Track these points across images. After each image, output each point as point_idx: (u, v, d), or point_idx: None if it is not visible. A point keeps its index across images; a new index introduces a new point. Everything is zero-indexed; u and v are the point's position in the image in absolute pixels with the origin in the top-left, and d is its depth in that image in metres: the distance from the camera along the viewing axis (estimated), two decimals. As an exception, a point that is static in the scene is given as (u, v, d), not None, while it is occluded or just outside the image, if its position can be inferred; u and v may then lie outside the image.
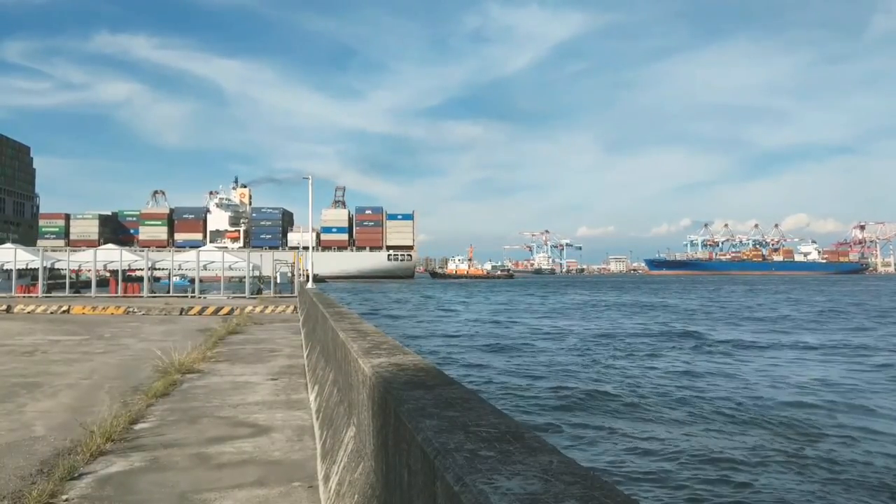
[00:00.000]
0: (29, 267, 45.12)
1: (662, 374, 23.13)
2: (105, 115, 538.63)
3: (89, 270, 46.09)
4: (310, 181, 45.35)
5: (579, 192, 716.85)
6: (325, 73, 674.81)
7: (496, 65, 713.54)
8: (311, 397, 10.24)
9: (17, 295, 40.94)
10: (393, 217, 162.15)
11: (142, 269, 45.18)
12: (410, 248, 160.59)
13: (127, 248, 56.49)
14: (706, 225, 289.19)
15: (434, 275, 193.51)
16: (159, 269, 47.79)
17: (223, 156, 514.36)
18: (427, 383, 3.63)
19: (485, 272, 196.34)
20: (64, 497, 5.99)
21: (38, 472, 6.76)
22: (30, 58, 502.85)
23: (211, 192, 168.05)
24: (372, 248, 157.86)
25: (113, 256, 45.32)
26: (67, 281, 46.89)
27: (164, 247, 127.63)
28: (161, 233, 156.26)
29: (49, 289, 44.48)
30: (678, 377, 22.43)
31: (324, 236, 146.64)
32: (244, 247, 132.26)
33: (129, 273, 45.98)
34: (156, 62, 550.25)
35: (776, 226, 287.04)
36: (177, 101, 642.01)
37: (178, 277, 48.88)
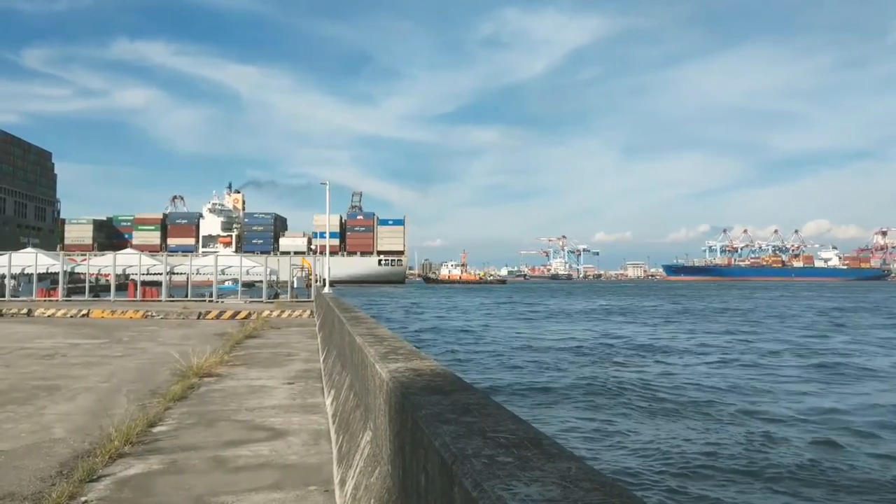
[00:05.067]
0: (49, 271, 45.62)
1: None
2: (123, 122, 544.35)
3: (108, 275, 46.61)
4: (327, 187, 45.48)
5: (596, 197, 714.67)
6: (339, 79, 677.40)
7: (511, 70, 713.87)
8: (328, 401, 10.26)
9: (37, 299, 41.41)
10: (384, 222, 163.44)
11: (159, 274, 45.56)
12: (401, 253, 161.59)
13: (158, 253, 57.05)
14: (725, 230, 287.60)
15: (427, 280, 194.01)
16: (178, 273, 48.14)
17: (238, 161, 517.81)
18: (444, 388, 3.62)
19: (477, 278, 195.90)
20: (83, 499, 6.04)
21: (58, 473, 6.81)
22: (50, 65, 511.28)
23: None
24: (363, 254, 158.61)
25: (132, 261, 45.75)
26: (87, 285, 47.40)
27: (157, 251, 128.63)
28: (154, 238, 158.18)
29: (69, 293, 44.96)
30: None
31: (315, 241, 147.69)
32: (236, 251, 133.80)
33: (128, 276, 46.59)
34: (173, 68, 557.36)
35: (796, 231, 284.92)
36: (193, 106, 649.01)
37: (230, 282, 49.48)
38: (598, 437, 14.92)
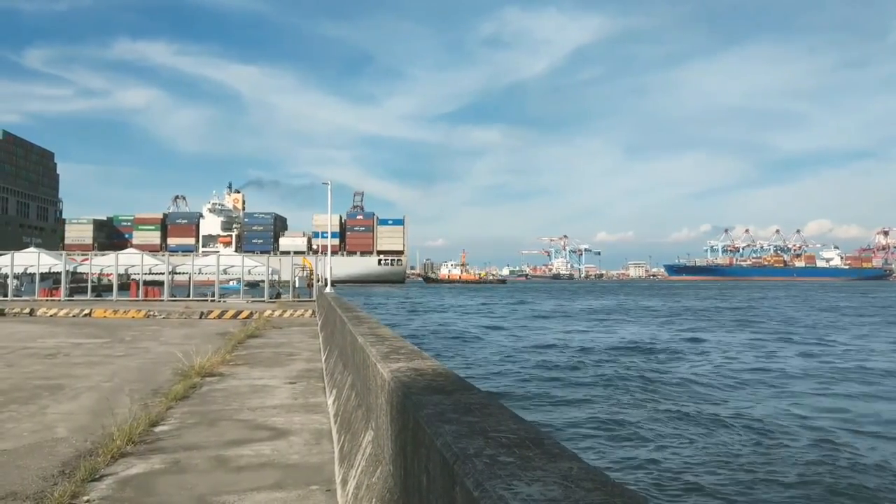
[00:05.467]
0: (52, 270, 45.68)
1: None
2: (124, 122, 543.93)
3: (110, 275, 46.66)
4: (328, 187, 45.51)
5: (598, 196, 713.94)
6: (340, 79, 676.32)
7: (513, 70, 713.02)
8: (329, 401, 10.27)
9: (40, 298, 41.45)
10: (384, 222, 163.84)
11: (160, 274, 45.58)
12: (401, 252, 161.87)
13: (159, 252, 57.06)
14: (727, 230, 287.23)
15: (427, 280, 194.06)
16: (180, 272, 48.16)
17: (240, 161, 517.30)
18: (446, 388, 3.63)
19: (477, 277, 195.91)
20: (85, 498, 6.05)
21: (60, 473, 6.82)
22: (51, 65, 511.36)
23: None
24: (363, 253, 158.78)
25: (134, 261, 45.80)
26: (89, 284, 47.46)
27: (158, 251, 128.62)
28: (154, 237, 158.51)
29: (71, 292, 45.00)
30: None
31: (315, 241, 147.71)
32: (236, 251, 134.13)
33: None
34: (174, 68, 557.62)
35: (798, 231, 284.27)
36: (195, 106, 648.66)
37: (234, 282, 49.44)
38: (604, 437, 14.91)
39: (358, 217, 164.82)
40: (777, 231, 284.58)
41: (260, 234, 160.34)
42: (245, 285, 47.65)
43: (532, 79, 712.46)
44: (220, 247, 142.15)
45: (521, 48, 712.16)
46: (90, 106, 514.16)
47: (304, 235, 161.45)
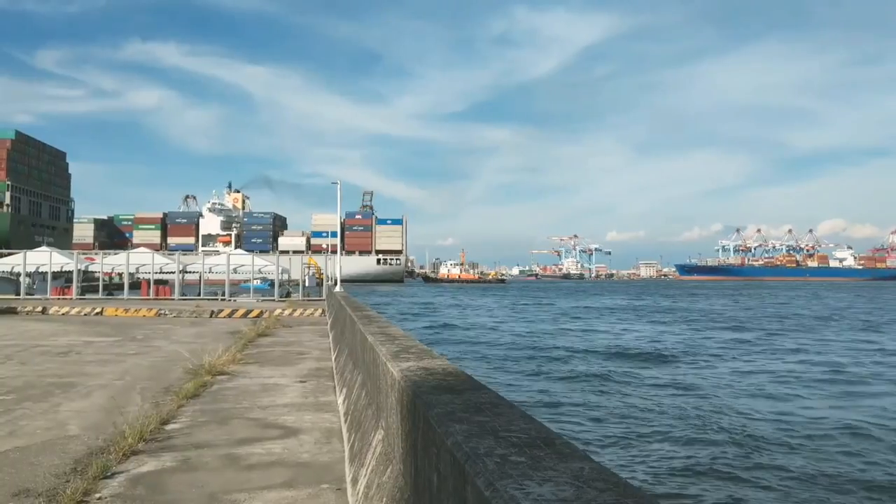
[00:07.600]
0: (63, 269, 46.02)
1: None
2: (135, 122, 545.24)
3: (121, 273, 46.96)
4: (338, 186, 45.63)
5: (608, 196, 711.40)
6: (349, 79, 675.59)
7: (523, 68, 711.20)
8: (340, 400, 10.29)
9: (52, 297, 41.75)
10: (382, 222, 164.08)
11: (169, 273, 45.80)
12: (399, 252, 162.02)
13: (159, 251, 57.39)
14: (738, 230, 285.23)
15: (427, 279, 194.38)
16: (190, 271, 48.34)
17: (251, 160, 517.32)
18: (456, 388, 3.62)
19: (476, 277, 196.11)
20: (97, 495, 6.09)
21: (73, 470, 6.86)
22: (63, 66, 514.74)
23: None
24: (361, 253, 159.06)
25: (145, 259, 46.05)
26: (101, 283, 47.76)
27: (158, 250, 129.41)
28: (154, 237, 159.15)
29: (83, 291, 45.32)
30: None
31: (314, 240, 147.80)
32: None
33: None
34: (185, 69, 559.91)
35: (810, 231, 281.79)
36: (205, 107, 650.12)
37: (258, 281, 49.69)
38: (613, 437, 14.87)
39: (357, 216, 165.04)
40: (789, 231, 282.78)
41: (259, 234, 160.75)
42: (268, 285, 47.79)
43: (542, 77, 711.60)
44: (219, 246, 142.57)
45: (531, 46, 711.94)
46: (102, 106, 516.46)
47: (303, 235, 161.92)
